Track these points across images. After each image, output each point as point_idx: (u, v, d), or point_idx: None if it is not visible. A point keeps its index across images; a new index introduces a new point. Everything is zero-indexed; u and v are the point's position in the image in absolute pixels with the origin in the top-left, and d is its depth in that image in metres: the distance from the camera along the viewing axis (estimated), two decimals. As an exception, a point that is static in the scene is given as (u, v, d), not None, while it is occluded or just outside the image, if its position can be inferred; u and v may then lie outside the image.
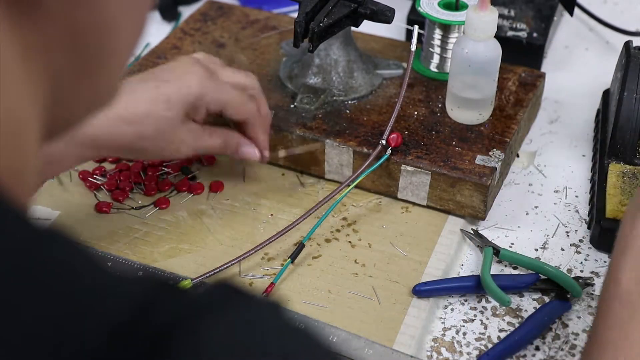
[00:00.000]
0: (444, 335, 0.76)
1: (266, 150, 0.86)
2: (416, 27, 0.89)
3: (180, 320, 0.32)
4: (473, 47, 0.85)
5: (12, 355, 0.29)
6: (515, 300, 0.78)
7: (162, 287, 0.34)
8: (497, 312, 0.78)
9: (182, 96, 0.78)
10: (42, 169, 0.69)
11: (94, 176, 0.91)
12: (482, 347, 0.74)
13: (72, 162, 0.79)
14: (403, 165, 0.86)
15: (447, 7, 0.95)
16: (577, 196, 0.90)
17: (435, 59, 0.97)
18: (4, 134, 0.33)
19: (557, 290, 0.79)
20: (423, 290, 0.78)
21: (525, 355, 0.74)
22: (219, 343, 0.32)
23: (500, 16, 1.04)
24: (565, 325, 0.76)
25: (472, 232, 0.85)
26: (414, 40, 0.89)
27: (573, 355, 0.73)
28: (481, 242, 0.83)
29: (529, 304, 0.78)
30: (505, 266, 0.82)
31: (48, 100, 0.36)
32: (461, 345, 0.75)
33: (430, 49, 0.97)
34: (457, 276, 0.81)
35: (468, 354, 0.74)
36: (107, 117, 0.75)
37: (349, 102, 0.93)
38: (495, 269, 0.82)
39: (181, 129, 0.79)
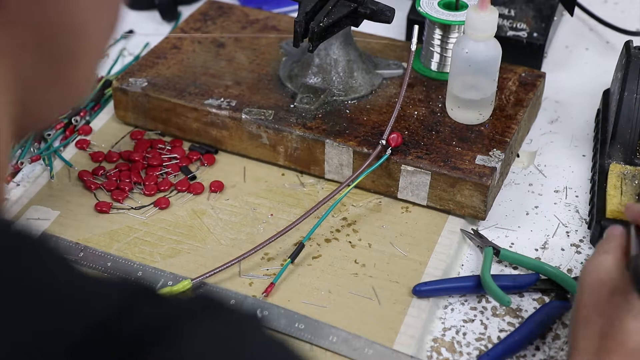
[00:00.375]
0: (444, 335, 0.76)
1: None
2: (416, 26, 0.89)
3: (156, 329, 0.32)
4: (473, 47, 0.85)
5: None
6: (515, 300, 0.78)
7: (141, 293, 0.33)
8: (497, 312, 0.78)
9: None
10: None
11: (94, 176, 0.91)
12: (482, 347, 0.74)
13: None
14: (403, 165, 0.86)
15: (447, 7, 0.95)
16: (577, 196, 0.90)
17: (436, 59, 0.97)
18: None
19: (557, 290, 0.79)
20: (423, 290, 0.78)
21: (525, 356, 0.73)
22: (193, 354, 0.32)
23: (501, 16, 1.04)
24: (565, 325, 0.76)
25: (472, 232, 0.85)
26: (414, 40, 0.89)
27: (573, 355, 0.73)
28: (481, 242, 0.83)
29: (529, 304, 0.78)
30: (506, 266, 0.82)
31: (17, 100, 0.36)
32: (461, 346, 0.75)
33: (431, 49, 0.97)
34: (457, 276, 0.81)
35: (468, 354, 0.74)
36: None
37: (349, 102, 0.93)
38: (496, 269, 0.82)
39: None
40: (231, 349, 0.33)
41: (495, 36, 0.86)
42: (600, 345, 0.59)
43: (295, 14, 0.89)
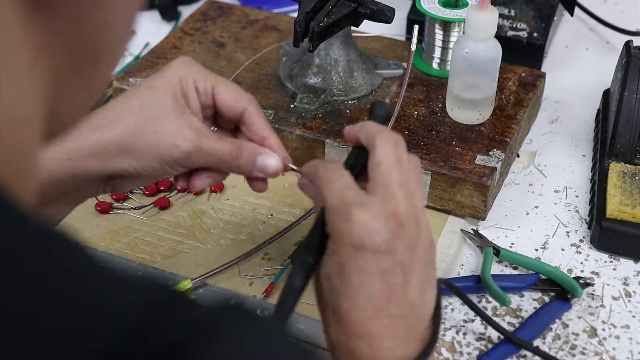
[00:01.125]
0: (444, 335, 0.76)
1: (283, 151, 0.71)
2: (416, 26, 0.89)
3: (184, 339, 0.32)
4: (473, 47, 0.85)
5: (10, 357, 0.29)
6: (515, 300, 0.78)
7: (170, 298, 0.33)
8: (497, 312, 0.78)
9: (165, 80, 0.68)
10: (47, 190, 0.66)
11: (94, 176, 0.91)
12: (482, 347, 0.74)
13: (75, 189, 0.69)
14: (403, 165, 0.86)
15: (447, 5, 0.95)
16: (577, 196, 0.90)
17: (437, 57, 0.97)
18: (6, 130, 0.33)
19: (557, 290, 0.79)
20: (423, 291, 0.78)
21: (525, 356, 0.73)
22: None
23: (501, 16, 1.04)
24: (566, 326, 0.76)
25: (472, 232, 0.85)
26: (414, 39, 0.89)
27: (573, 355, 0.73)
28: (481, 242, 0.83)
29: (529, 304, 0.78)
30: (506, 266, 0.82)
31: (48, 100, 0.37)
32: (461, 346, 0.75)
33: (432, 47, 0.97)
34: (457, 276, 0.81)
35: (468, 354, 0.74)
36: (83, 130, 0.67)
37: (349, 102, 0.93)
38: (496, 269, 0.82)
39: (174, 119, 0.67)
40: (265, 358, 0.33)
41: (495, 36, 0.86)
42: (359, 315, 0.56)
43: (295, 14, 0.89)
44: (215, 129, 0.72)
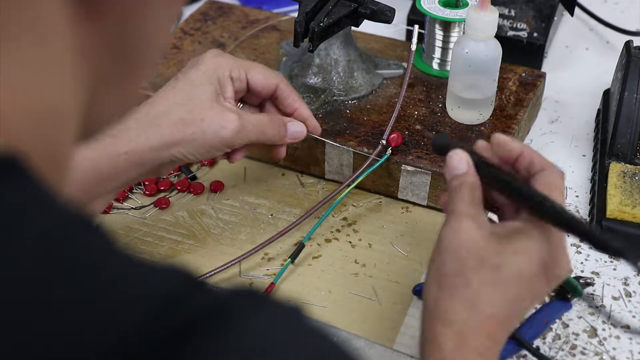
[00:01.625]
0: (444, 335, 0.75)
1: (313, 119, 0.82)
2: (416, 26, 0.89)
3: (206, 318, 0.33)
4: (473, 47, 0.85)
5: (35, 339, 0.30)
6: (515, 300, 0.78)
7: (189, 283, 0.34)
8: (498, 312, 0.77)
9: (202, 72, 0.77)
10: (93, 187, 0.72)
11: (94, 176, 0.91)
12: (483, 347, 0.74)
13: (124, 178, 0.75)
14: (403, 165, 0.86)
15: (447, 5, 0.95)
16: (577, 196, 0.90)
17: (437, 57, 0.97)
18: (45, 121, 0.35)
19: (558, 290, 0.79)
20: (423, 291, 0.78)
21: (525, 355, 0.73)
22: (239, 347, 0.33)
23: (501, 16, 1.04)
24: (566, 326, 0.76)
25: (472, 232, 0.85)
26: (414, 39, 0.89)
27: (573, 355, 0.73)
28: (481, 242, 0.83)
29: (529, 304, 0.78)
30: (506, 266, 0.82)
31: (87, 100, 0.38)
32: (461, 346, 0.75)
33: (432, 47, 0.97)
34: (458, 276, 0.81)
35: (468, 354, 0.74)
36: (140, 127, 0.74)
37: (349, 102, 0.93)
38: (496, 269, 0.81)
39: (216, 105, 0.75)
40: (280, 341, 0.34)
41: (495, 36, 0.86)
42: (467, 314, 0.59)
43: (295, 14, 0.89)
44: (242, 105, 0.82)
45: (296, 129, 0.81)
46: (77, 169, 0.70)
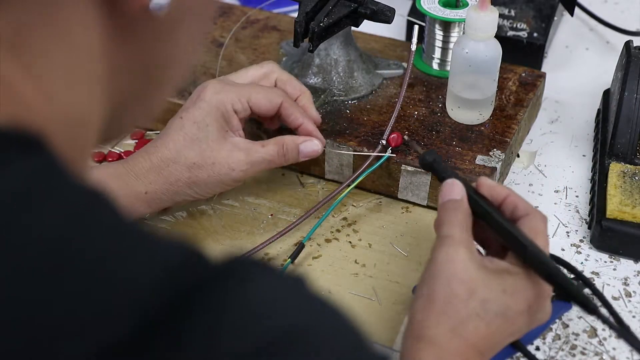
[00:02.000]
0: (444, 335, 0.75)
1: (318, 133, 0.83)
2: (416, 26, 0.89)
3: (221, 275, 0.35)
4: (473, 47, 0.85)
5: (61, 305, 0.32)
6: (515, 300, 0.78)
7: (196, 250, 0.37)
8: (498, 312, 0.78)
9: (205, 112, 0.79)
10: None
11: (94, 176, 0.91)
12: (483, 348, 0.74)
13: (141, 214, 0.80)
14: (403, 165, 0.86)
15: (447, 5, 0.95)
16: (577, 196, 0.90)
17: (437, 57, 0.97)
18: (74, 124, 0.39)
19: (557, 290, 0.78)
20: (423, 291, 0.78)
21: (525, 356, 0.73)
22: (246, 303, 0.35)
23: (501, 16, 1.04)
24: (566, 326, 0.76)
25: (472, 232, 0.85)
26: (414, 39, 0.89)
27: (573, 355, 0.73)
28: (481, 242, 0.83)
29: (529, 304, 0.78)
30: (506, 266, 0.82)
31: (111, 111, 0.42)
32: (461, 346, 0.75)
33: (432, 47, 0.97)
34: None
35: (468, 354, 0.74)
36: (156, 170, 0.78)
37: (349, 102, 0.93)
38: (496, 269, 0.81)
39: (224, 146, 0.79)
40: (290, 297, 0.37)
41: (495, 36, 0.86)
42: (450, 338, 0.63)
43: (295, 14, 0.89)
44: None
45: (311, 149, 0.83)
46: None
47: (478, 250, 0.68)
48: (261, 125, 0.88)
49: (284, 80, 0.85)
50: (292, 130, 0.85)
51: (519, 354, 0.73)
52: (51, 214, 0.34)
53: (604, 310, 0.73)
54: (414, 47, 0.89)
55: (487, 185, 0.70)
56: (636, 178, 0.84)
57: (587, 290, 0.79)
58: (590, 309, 0.66)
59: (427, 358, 0.62)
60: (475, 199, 0.69)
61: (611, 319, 0.71)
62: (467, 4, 0.95)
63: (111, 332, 0.32)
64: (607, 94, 0.98)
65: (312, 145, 0.82)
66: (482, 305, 0.64)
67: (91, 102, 0.40)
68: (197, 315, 0.34)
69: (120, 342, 0.32)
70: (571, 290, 0.67)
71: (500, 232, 0.68)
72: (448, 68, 0.95)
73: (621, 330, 0.67)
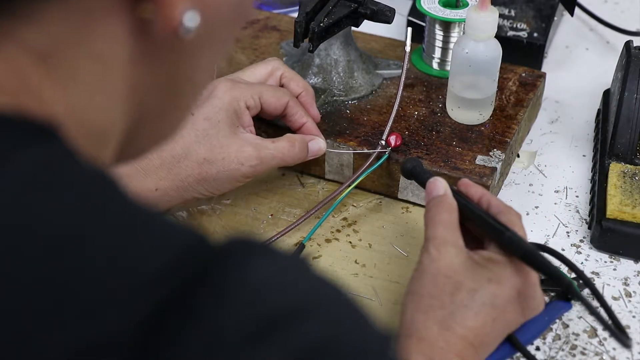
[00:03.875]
0: (444, 335, 0.76)
1: (320, 134, 0.85)
2: (409, 29, 0.89)
3: (215, 262, 0.36)
4: (473, 47, 0.85)
5: (67, 288, 0.33)
6: (515, 300, 0.78)
7: (200, 234, 0.37)
8: (498, 313, 0.78)
9: (218, 108, 0.79)
10: None
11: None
12: (483, 348, 0.74)
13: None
14: (403, 165, 0.86)
15: (447, 5, 0.95)
16: (577, 196, 0.90)
17: (437, 57, 0.97)
18: (95, 137, 0.41)
19: (558, 291, 0.78)
20: (423, 291, 0.78)
21: (524, 356, 0.73)
22: (249, 281, 0.36)
23: (501, 16, 1.04)
24: (566, 326, 0.76)
25: (472, 232, 0.85)
26: (408, 42, 0.88)
27: (574, 355, 0.73)
28: (481, 242, 0.83)
29: (529, 304, 0.78)
30: (506, 266, 0.82)
31: (130, 127, 0.43)
32: (461, 346, 0.75)
33: (432, 47, 0.97)
34: (458, 276, 0.81)
35: (468, 354, 0.74)
36: (167, 166, 0.78)
37: (349, 102, 0.93)
38: (496, 269, 0.81)
39: (234, 141, 0.79)
40: (292, 276, 0.37)
41: (495, 36, 0.86)
42: (439, 333, 0.64)
43: (295, 14, 0.89)
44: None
45: (317, 148, 0.84)
46: None
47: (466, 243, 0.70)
48: (261, 125, 0.88)
49: (289, 77, 0.85)
50: (291, 130, 0.85)
51: (519, 354, 0.73)
52: (57, 199, 0.35)
53: (594, 306, 0.72)
54: (408, 48, 0.88)
55: (463, 185, 0.73)
56: (636, 178, 0.84)
57: (586, 291, 0.79)
58: (565, 285, 0.67)
59: (418, 354, 0.63)
60: (455, 195, 0.71)
61: (593, 305, 0.71)
62: (467, 4, 0.95)
63: (114, 320, 0.33)
64: (607, 94, 0.98)
65: (318, 144, 0.84)
66: (469, 296, 0.65)
67: (113, 116, 0.41)
68: (200, 300, 0.34)
69: (124, 331, 0.33)
70: (550, 269, 0.67)
71: (479, 222, 0.70)
72: (448, 68, 0.95)
73: (595, 311, 0.67)
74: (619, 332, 0.65)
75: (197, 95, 0.48)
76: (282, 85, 0.85)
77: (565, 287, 0.66)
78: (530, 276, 0.67)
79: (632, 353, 0.74)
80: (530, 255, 0.66)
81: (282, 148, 0.81)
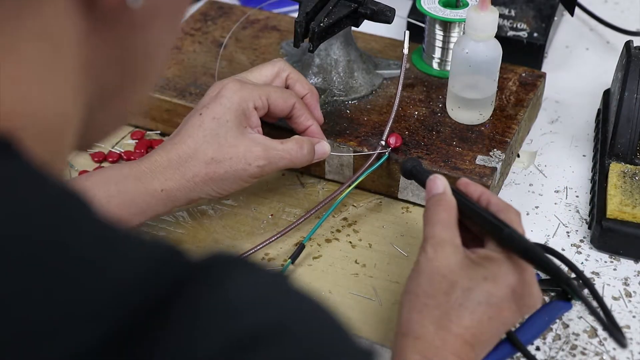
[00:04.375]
0: (444, 335, 0.75)
1: (324, 137, 0.85)
2: (406, 32, 0.89)
3: (188, 280, 0.35)
4: (473, 47, 0.85)
5: (27, 307, 0.32)
6: (515, 300, 0.78)
7: (174, 249, 0.36)
8: (498, 313, 0.77)
9: (226, 108, 0.79)
10: (126, 220, 0.76)
11: (94, 176, 0.91)
12: (483, 348, 0.74)
13: (154, 213, 0.79)
14: (403, 165, 0.86)
15: (447, 5, 0.95)
16: (577, 196, 0.90)
17: (437, 57, 0.97)
18: (49, 126, 0.38)
19: (558, 291, 0.79)
20: (423, 291, 0.78)
21: (525, 356, 0.73)
22: (226, 300, 0.35)
23: (501, 16, 1.04)
24: (566, 326, 0.76)
25: (472, 232, 0.85)
26: (406, 44, 0.88)
27: (574, 355, 0.73)
28: (482, 242, 0.83)
29: (529, 304, 0.78)
30: (506, 266, 0.82)
31: (89, 109, 0.41)
32: (462, 346, 0.75)
33: (432, 47, 0.97)
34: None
35: (468, 354, 0.74)
36: (174, 166, 0.78)
37: (350, 102, 0.93)
38: (496, 269, 0.81)
39: (242, 141, 0.78)
40: (271, 293, 0.36)
41: (495, 36, 0.86)
42: (435, 332, 0.64)
43: (295, 14, 0.89)
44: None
45: (323, 151, 0.84)
46: (112, 202, 0.75)
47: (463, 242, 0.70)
48: (264, 127, 0.88)
49: (295, 78, 0.85)
50: (292, 131, 0.85)
51: (519, 354, 0.73)
52: (29, 216, 0.33)
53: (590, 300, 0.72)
54: (405, 50, 0.88)
55: (462, 184, 0.73)
56: (636, 178, 0.84)
57: (585, 291, 0.79)
58: (564, 281, 0.66)
59: (415, 354, 0.63)
60: (453, 193, 0.71)
61: (592, 303, 0.71)
62: (467, 4, 0.95)
63: (88, 333, 0.32)
64: (607, 94, 0.98)
65: (323, 147, 0.83)
66: (464, 294, 0.64)
67: (67, 100, 0.39)
68: (175, 315, 0.34)
69: (96, 343, 0.32)
70: (550, 266, 0.67)
71: (478, 220, 0.69)
72: (448, 68, 0.95)
73: (593, 308, 0.66)
74: (615, 330, 0.65)
75: (156, 71, 0.46)
76: (287, 87, 0.85)
77: (564, 283, 0.66)
78: (527, 273, 0.66)
79: (633, 353, 0.74)
80: (529, 252, 0.66)
81: (290, 149, 0.80)
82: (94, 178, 0.77)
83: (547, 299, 0.79)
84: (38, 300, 0.32)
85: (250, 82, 0.82)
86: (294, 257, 0.80)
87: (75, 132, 0.40)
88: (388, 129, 0.87)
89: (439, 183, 0.71)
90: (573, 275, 0.78)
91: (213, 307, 0.34)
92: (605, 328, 0.64)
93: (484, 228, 0.69)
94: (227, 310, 0.34)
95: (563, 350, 0.74)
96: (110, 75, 0.41)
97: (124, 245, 0.35)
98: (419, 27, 1.01)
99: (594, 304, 0.74)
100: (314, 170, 0.91)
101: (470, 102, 0.89)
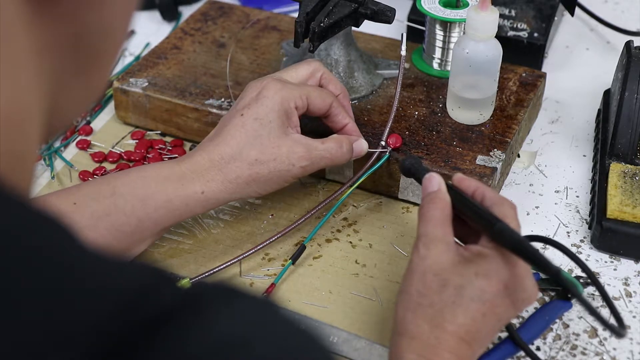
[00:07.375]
0: (444, 335, 0.75)
1: (360, 134, 0.84)
2: (404, 34, 0.89)
3: (173, 311, 0.33)
4: (474, 47, 0.85)
5: (5, 340, 0.30)
6: (516, 300, 0.78)
7: (161, 277, 0.35)
8: (498, 313, 0.77)
9: (269, 109, 0.78)
10: (165, 225, 0.76)
11: (95, 176, 0.91)
12: (483, 348, 0.74)
13: (189, 216, 0.78)
14: (404, 165, 0.86)
15: (447, 5, 0.95)
16: (577, 196, 0.90)
17: (437, 57, 0.97)
18: (13, 122, 0.35)
19: (558, 290, 0.79)
20: (424, 291, 0.78)
21: (525, 356, 0.73)
22: (211, 334, 0.34)
23: (501, 16, 1.04)
24: (566, 326, 0.76)
25: (472, 232, 0.85)
26: (403, 46, 0.88)
27: (574, 355, 0.73)
28: (482, 242, 0.83)
29: (529, 304, 0.78)
30: (506, 266, 0.82)
31: (49, 96, 0.39)
32: (462, 346, 0.75)
33: (432, 47, 0.97)
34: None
35: (469, 354, 0.74)
36: (217, 167, 0.76)
37: (350, 102, 0.93)
38: (496, 269, 0.81)
39: (285, 142, 0.78)
40: (257, 328, 0.35)
41: (495, 36, 0.86)
42: (430, 331, 0.64)
43: (295, 14, 0.89)
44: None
45: (360, 149, 0.83)
46: (149, 204, 0.74)
47: (456, 242, 0.69)
48: None
49: (328, 78, 0.85)
50: (330, 131, 0.84)
51: (519, 353, 0.73)
52: (5, 241, 0.32)
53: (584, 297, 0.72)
54: (403, 52, 0.88)
55: (457, 179, 0.72)
56: (636, 178, 0.84)
57: (589, 290, 0.79)
58: (553, 273, 0.65)
59: (410, 353, 0.63)
60: (450, 190, 0.71)
61: (585, 298, 0.71)
62: (467, 4, 0.95)
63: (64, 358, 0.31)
64: (607, 94, 0.98)
65: (361, 145, 0.83)
66: (457, 292, 0.64)
67: (28, 93, 0.37)
68: (157, 346, 0.32)
69: None
70: (540, 259, 0.65)
71: (472, 215, 0.69)
72: (448, 68, 0.95)
73: (590, 306, 0.65)
74: (606, 321, 0.63)
75: (116, 46, 0.43)
76: (321, 87, 0.84)
77: (553, 275, 0.65)
78: (519, 268, 0.66)
79: (633, 353, 0.74)
80: (519, 246, 0.65)
81: (331, 149, 0.79)
82: (132, 175, 0.76)
83: (547, 298, 0.79)
84: (9, 330, 0.30)
85: (289, 81, 0.82)
86: (294, 257, 0.80)
87: (38, 122, 0.38)
88: (388, 129, 0.87)
89: (434, 181, 0.70)
90: (579, 270, 0.78)
91: (194, 343, 0.33)
92: (598, 318, 0.62)
93: (477, 223, 0.69)
94: (209, 346, 0.33)
95: (563, 350, 0.74)
96: (66, 59, 0.39)
97: (104, 273, 0.34)
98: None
99: (585, 297, 0.74)
100: (314, 170, 0.91)
101: (470, 102, 0.89)
